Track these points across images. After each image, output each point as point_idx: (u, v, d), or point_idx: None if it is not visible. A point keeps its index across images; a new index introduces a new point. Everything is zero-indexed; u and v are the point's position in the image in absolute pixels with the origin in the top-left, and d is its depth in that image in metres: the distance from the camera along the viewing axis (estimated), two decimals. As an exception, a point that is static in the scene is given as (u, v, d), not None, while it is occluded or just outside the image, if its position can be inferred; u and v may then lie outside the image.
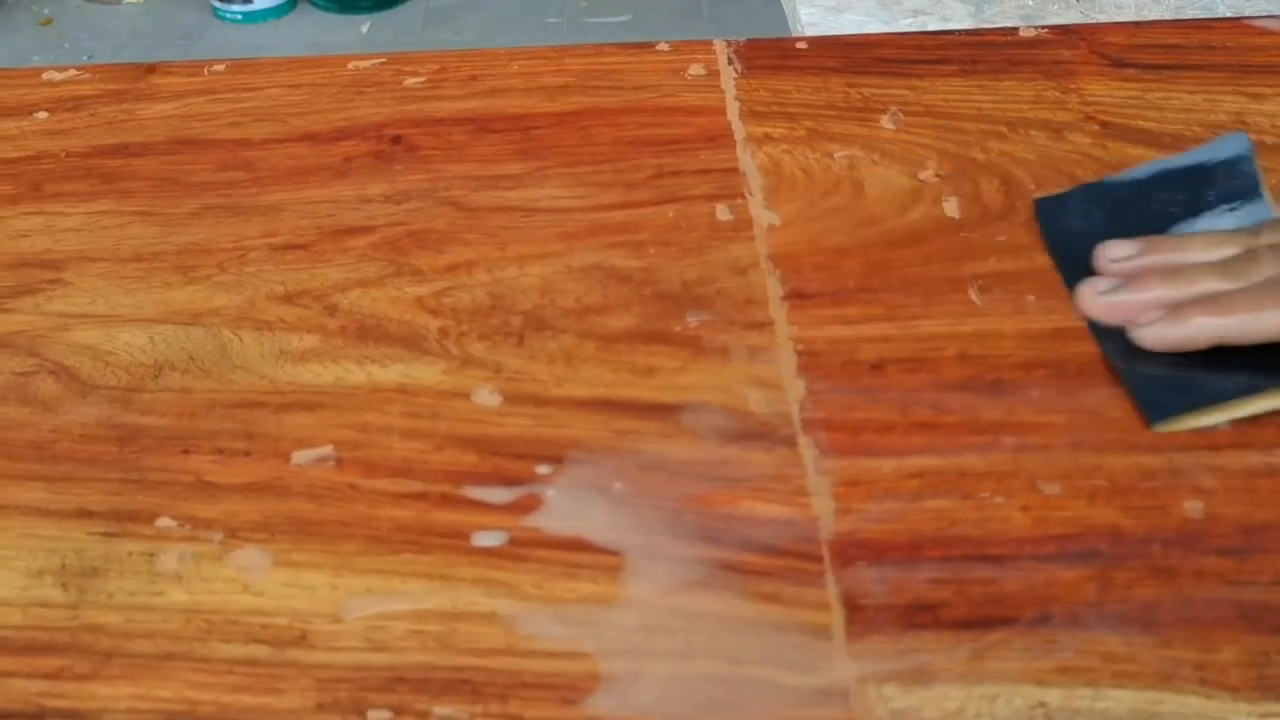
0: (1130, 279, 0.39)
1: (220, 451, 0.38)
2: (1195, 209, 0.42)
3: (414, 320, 0.42)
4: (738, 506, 0.35)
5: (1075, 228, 0.43)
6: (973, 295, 0.41)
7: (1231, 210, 0.41)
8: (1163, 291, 0.38)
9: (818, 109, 0.50)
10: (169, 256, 0.45)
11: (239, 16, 2.21)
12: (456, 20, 2.22)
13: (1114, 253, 0.40)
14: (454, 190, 0.47)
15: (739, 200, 0.46)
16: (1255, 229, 0.40)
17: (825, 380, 0.39)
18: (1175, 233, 0.42)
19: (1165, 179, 0.44)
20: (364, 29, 2.20)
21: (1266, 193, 0.42)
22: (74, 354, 0.41)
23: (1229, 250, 0.39)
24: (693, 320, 0.40)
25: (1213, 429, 0.36)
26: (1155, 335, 0.37)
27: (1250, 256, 0.38)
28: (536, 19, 2.20)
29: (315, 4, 2.27)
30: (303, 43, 2.15)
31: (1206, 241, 0.40)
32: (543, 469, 0.37)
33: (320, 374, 0.40)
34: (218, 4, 2.21)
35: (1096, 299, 0.39)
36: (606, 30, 2.13)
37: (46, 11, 2.26)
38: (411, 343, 0.41)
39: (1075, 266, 0.41)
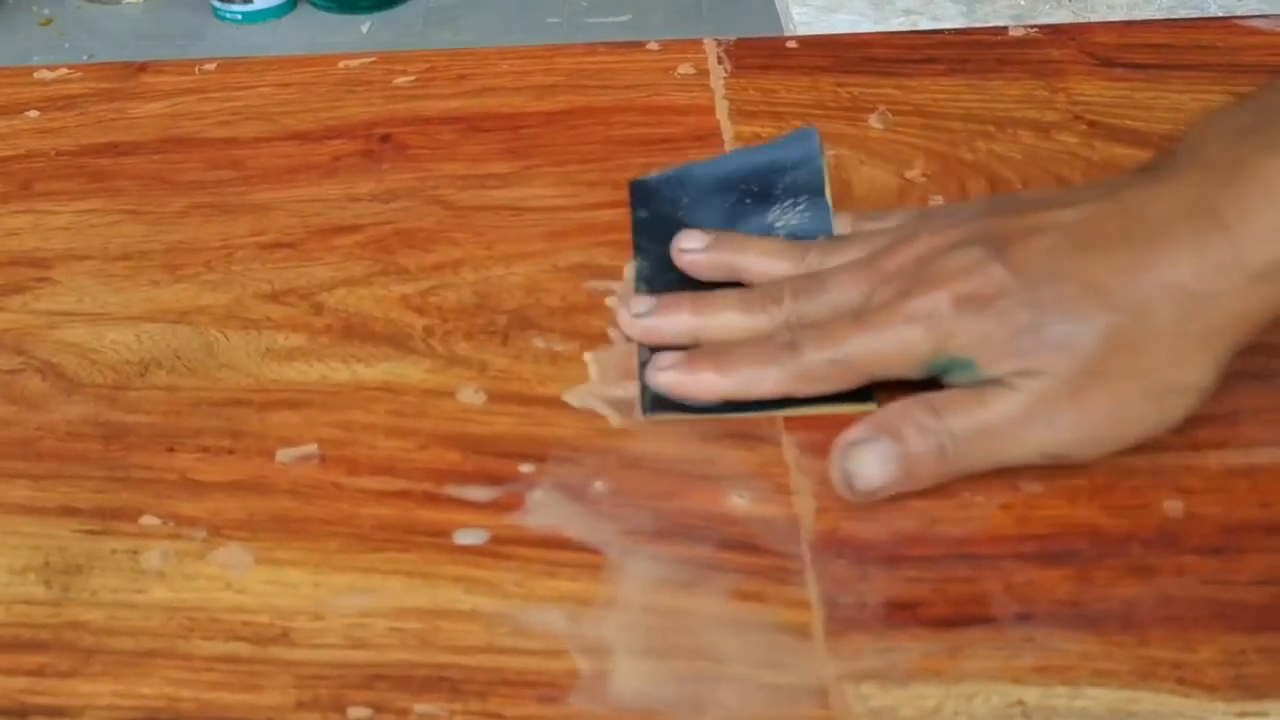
0: (663, 302, 0.40)
1: (205, 449, 0.38)
2: (767, 201, 0.44)
3: (400, 319, 0.42)
4: (719, 505, 0.35)
5: (661, 210, 0.45)
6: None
7: (796, 205, 0.43)
8: (687, 319, 0.39)
9: (806, 108, 0.51)
10: (157, 255, 0.45)
11: (239, 16, 2.21)
12: (456, 20, 2.22)
13: (684, 243, 0.42)
14: (442, 189, 0.47)
15: (726, 199, 0.46)
16: (805, 245, 0.41)
17: (809, 379, 0.39)
18: (746, 225, 0.43)
19: (745, 169, 0.45)
20: (364, 29, 2.21)
21: (827, 192, 0.43)
22: (60, 352, 0.41)
23: (778, 264, 0.40)
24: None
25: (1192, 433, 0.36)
26: (668, 382, 0.38)
27: (773, 293, 0.39)
28: (536, 19, 2.20)
29: (315, 4, 2.27)
30: (303, 43, 2.16)
31: (763, 248, 0.41)
32: (526, 468, 0.37)
33: (306, 372, 0.40)
34: (218, 4, 2.21)
35: (633, 321, 0.40)
36: (606, 30, 2.13)
37: (46, 11, 2.26)
38: (397, 341, 0.41)
39: (648, 250, 0.43)
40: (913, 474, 0.35)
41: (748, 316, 0.39)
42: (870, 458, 0.35)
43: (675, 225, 0.43)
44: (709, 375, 0.38)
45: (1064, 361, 0.34)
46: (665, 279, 0.42)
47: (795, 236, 0.42)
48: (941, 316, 0.35)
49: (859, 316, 0.37)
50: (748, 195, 0.44)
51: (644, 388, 0.39)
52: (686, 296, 0.40)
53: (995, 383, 0.35)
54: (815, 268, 0.40)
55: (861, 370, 0.37)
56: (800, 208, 0.43)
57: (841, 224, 0.42)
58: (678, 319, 0.40)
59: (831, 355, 0.37)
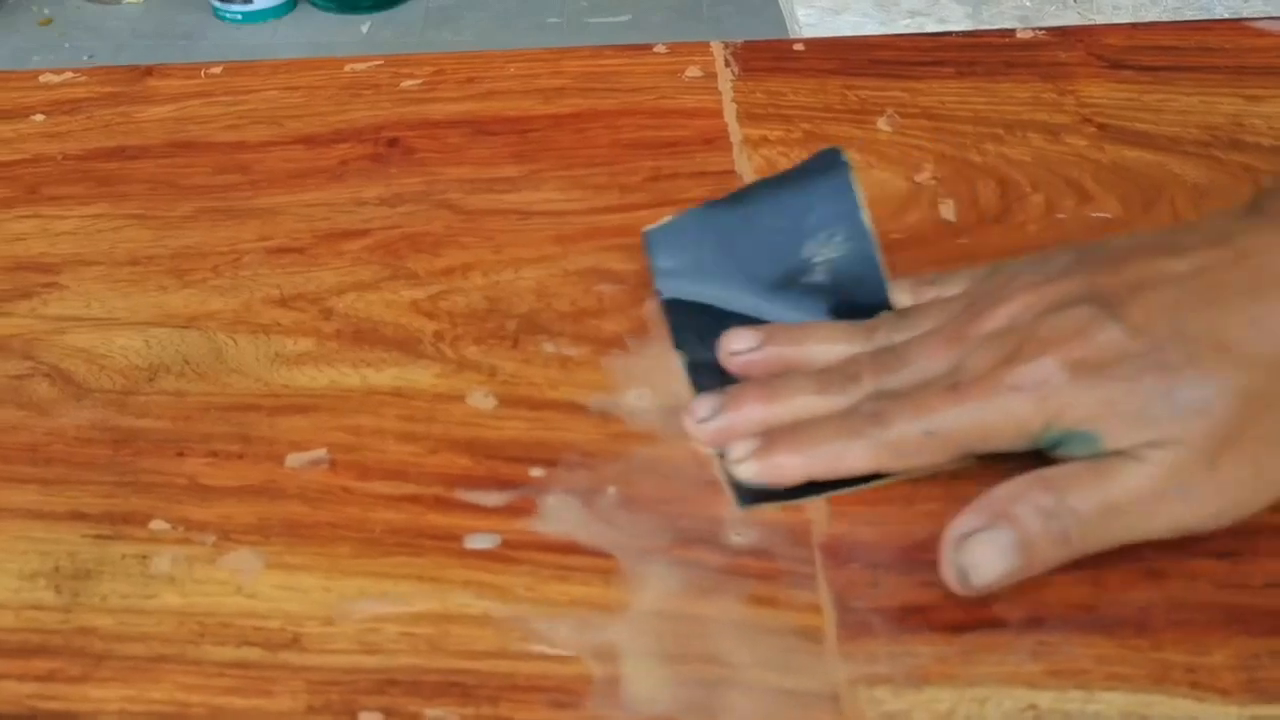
0: (729, 398, 0.37)
1: (214, 454, 0.38)
2: (799, 236, 0.40)
3: (409, 323, 0.42)
4: (730, 509, 0.35)
5: (684, 266, 0.41)
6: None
7: (833, 236, 0.39)
8: (758, 411, 0.36)
9: (814, 111, 0.51)
10: (164, 260, 0.45)
11: (239, 16, 2.21)
12: (456, 20, 2.22)
13: (733, 345, 0.38)
14: (450, 193, 0.47)
15: (734, 203, 0.46)
16: (872, 324, 0.38)
17: (819, 383, 0.39)
18: (782, 265, 0.40)
19: (770, 203, 0.41)
20: (364, 29, 2.21)
21: (865, 216, 0.39)
22: (69, 357, 0.41)
23: (845, 348, 0.38)
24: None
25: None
26: (747, 473, 0.35)
27: (849, 370, 0.37)
28: (536, 19, 2.20)
29: (315, 4, 2.27)
30: (303, 43, 2.16)
31: (825, 334, 0.38)
32: (537, 472, 0.37)
33: (315, 377, 0.40)
34: (218, 4, 2.21)
35: (699, 428, 0.37)
36: (606, 30, 2.13)
37: (46, 11, 2.26)
38: (407, 346, 0.41)
39: (685, 328, 0.41)
40: (1034, 561, 0.32)
41: (825, 398, 0.36)
42: (987, 549, 0.32)
43: (705, 281, 0.41)
44: (787, 458, 0.35)
45: (1199, 429, 0.31)
46: (712, 364, 0.39)
47: (837, 270, 0.39)
48: (1054, 385, 0.33)
49: (954, 386, 0.34)
50: (777, 232, 0.40)
51: (731, 481, 0.36)
52: (752, 386, 0.37)
53: (1118, 455, 0.32)
54: (887, 344, 0.37)
55: (958, 444, 0.34)
56: (838, 238, 0.39)
57: (900, 291, 0.39)
58: (748, 413, 0.36)
59: (925, 426, 0.34)
